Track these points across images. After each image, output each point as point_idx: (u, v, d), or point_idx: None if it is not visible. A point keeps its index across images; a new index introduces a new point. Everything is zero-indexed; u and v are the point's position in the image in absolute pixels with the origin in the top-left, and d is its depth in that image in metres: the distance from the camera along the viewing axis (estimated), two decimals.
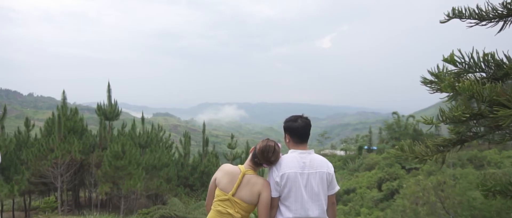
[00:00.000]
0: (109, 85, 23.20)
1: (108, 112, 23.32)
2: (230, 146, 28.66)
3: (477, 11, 2.79)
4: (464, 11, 2.82)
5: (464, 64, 2.63)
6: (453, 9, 2.83)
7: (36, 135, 22.75)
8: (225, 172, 3.15)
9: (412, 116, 50.74)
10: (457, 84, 2.42)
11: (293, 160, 3.05)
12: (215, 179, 3.18)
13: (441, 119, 2.61)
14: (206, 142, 29.21)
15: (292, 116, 3.26)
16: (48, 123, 22.13)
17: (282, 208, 3.02)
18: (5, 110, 17.47)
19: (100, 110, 23.19)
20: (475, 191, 15.56)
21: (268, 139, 3.16)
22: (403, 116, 50.17)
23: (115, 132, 24.79)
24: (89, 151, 21.84)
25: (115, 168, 19.31)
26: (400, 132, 47.10)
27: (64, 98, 21.52)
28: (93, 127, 29.66)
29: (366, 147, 53.25)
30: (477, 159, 29.61)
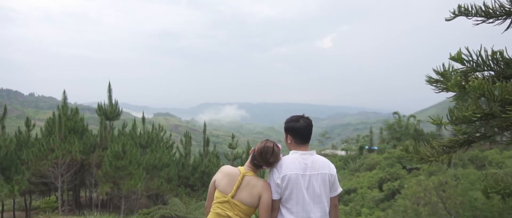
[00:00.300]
0: (109, 85, 23.19)
1: (109, 112, 23.28)
2: (231, 146, 28.61)
3: (483, 9, 2.71)
4: (470, 9, 2.75)
5: (471, 62, 2.55)
6: (459, 7, 2.75)
7: (36, 135, 22.72)
8: (224, 174, 3.07)
9: (413, 116, 50.59)
10: (467, 83, 2.34)
11: (294, 161, 2.97)
12: (215, 181, 3.10)
13: (450, 119, 2.53)
14: (206, 142, 29.16)
15: (294, 116, 3.19)
16: (49, 122, 22.10)
17: (283, 210, 2.94)
18: (5, 109, 17.42)
19: (100, 109, 23.15)
20: (476, 191, 15.49)
21: (267, 139, 3.09)
22: (404, 116, 50.04)
23: (116, 132, 24.76)
24: (90, 151, 21.81)
25: (115, 168, 19.26)
26: (401, 132, 46.99)
27: (65, 98, 21.48)
28: (94, 127, 29.65)
29: (367, 147, 53.10)
30: (478, 159, 29.49)
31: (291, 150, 3.11)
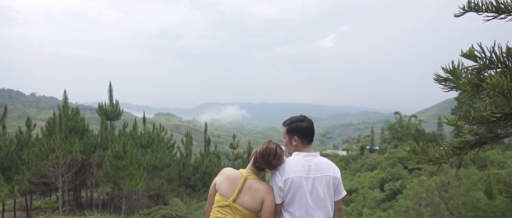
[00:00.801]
0: (110, 85, 23.14)
1: (110, 112, 23.21)
2: (232, 146, 28.50)
3: (495, 4, 2.60)
4: (480, 4, 2.63)
5: (485, 59, 2.44)
6: (469, 2, 2.64)
7: (37, 135, 22.66)
8: (225, 176, 2.94)
9: (414, 116, 50.50)
10: (481, 81, 2.23)
11: (297, 163, 2.84)
12: (215, 184, 2.97)
13: (466, 120, 2.41)
14: (208, 142, 29.10)
15: (297, 116, 3.06)
16: (49, 122, 22.02)
17: (285, 214, 2.82)
18: (5, 109, 17.32)
19: (101, 109, 23.07)
20: (478, 191, 15.39)
21: (270, 141, 2.95)
22: (405, 116, 49.94)
23: (117, 132, 24.68)
24: (90, 151, 21.72)
25: (116, 168, 19.18)
26: (402, 132, 46.91)
27: (66, 98, 21.41)
28: (95, 127, 29.59)
29: (368, 147, 53.02)
30: (480, 159, 29.35)
31: (293, 152, 2.99)
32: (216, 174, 3.07)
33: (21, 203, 23.78)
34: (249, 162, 3.07)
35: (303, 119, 3.00)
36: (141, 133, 25.49)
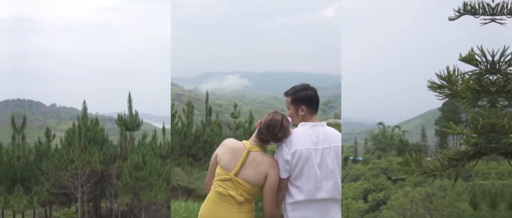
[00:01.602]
0: (129, 96, 22.55)
1: (129, 122, 22.65)
2: (233, 115, 27.20)
3: (492, 6, 2.24)
4: (477, 7, 2.27)
5: (486, 63, 2.09)
6: (465, 5, 2.27)
7: (56, 146, 22.12)
8: (227, 148, 2.55)
9: (398, 127, 49.73)
10: (482, 87, 1.88)
11: (305, 135, 2.47)
12: (216, 155, 2.57)
13: (474, 128, 2.04)
14: (209, 111, 27.71)
15: (300, 85, 2.66)
16: (69, 133, 21.47)
17: (292, 189, 2.45)
18: (24, 119, 16.91)
19: (120, 120, 22.54)
20: (464, 203, 14.82)
21: (275, 111, 2.57)
22: (388, 126, 49.12)
23: (136, 143, 24.09)
24: (110, 162, 21.05)
25: (135, 179, 18.58)
26: (386, 143, 46.06)
27: (85, 108, 20.95)
28: (115, 137, 28.96)
29: (351, 158, 51.90)
30: (464, 170, 28.58)
31: (299, 123, 2.60)
32: (217, 144, 2.66)
33: (41, 214, 23.09)
34: (250, 131, 2.67)
35: (307, 87, 2.62)
36: (160, 143, 24.82)
